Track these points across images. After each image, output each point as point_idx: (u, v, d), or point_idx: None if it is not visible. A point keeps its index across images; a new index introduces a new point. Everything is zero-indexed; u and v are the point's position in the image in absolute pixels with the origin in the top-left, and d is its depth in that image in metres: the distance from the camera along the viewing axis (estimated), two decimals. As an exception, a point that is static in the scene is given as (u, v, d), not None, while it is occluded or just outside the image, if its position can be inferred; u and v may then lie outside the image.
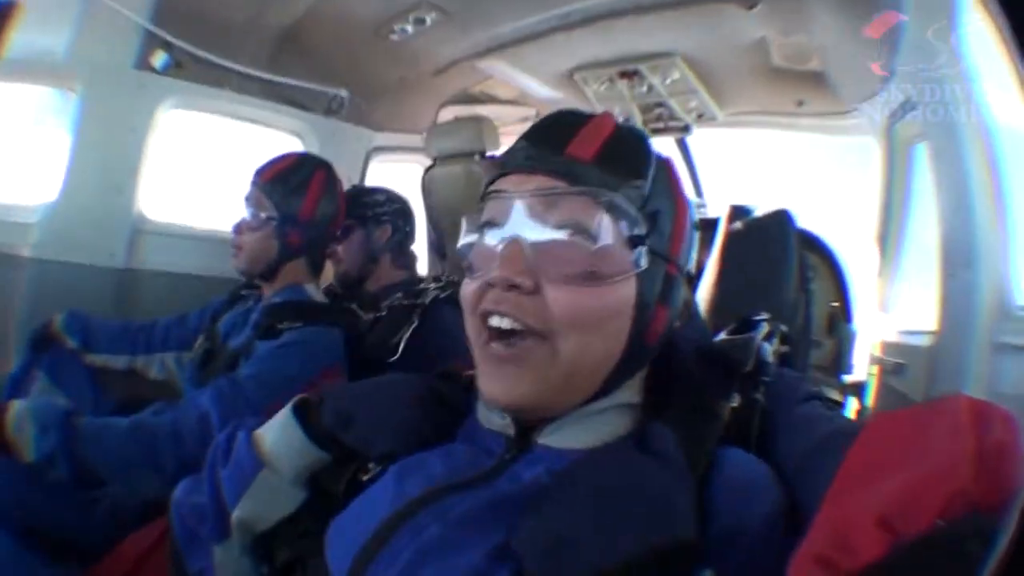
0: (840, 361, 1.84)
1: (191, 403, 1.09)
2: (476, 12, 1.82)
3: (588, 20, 1.80)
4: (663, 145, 2.38)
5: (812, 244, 1.92)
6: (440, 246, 2.06)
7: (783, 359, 0.64)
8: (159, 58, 1.70)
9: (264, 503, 0.62)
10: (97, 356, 1.39)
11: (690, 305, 0.63)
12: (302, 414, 0.65)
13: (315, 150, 1.91)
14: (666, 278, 0.55)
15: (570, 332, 0.51)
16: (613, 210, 0.52)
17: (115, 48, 1.63)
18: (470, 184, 1.85)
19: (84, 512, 1.07)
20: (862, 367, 1.79)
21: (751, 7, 1.64)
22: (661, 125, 2.23)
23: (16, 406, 0.96)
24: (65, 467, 0.95)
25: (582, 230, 0.52)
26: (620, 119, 0.59)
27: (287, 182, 1.29)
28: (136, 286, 1.66)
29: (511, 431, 0.56)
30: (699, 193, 2.48)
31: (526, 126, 0.62)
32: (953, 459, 0.36)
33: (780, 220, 1.73)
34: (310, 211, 1.30)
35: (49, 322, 1.37)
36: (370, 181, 2.09)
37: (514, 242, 0.52)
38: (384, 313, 1.39)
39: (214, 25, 1.77)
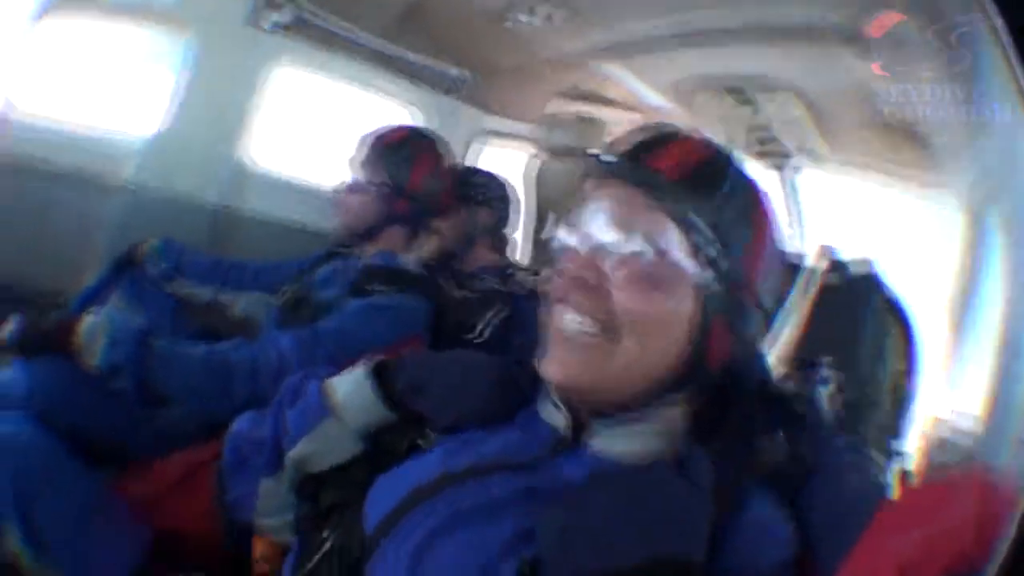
0: (894, 426, 1.79)
1: (271, 342, 1.10)
2: (597, 11, 1.81)
3: (708, 35, 1.78)
4: (769, 178, 2.32)
5: (892, 305, 1.88)
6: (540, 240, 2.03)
7: (834, 406, 0.64)
8: (274, 16, 1.73)
9: (323, 447, 0.67)
10: (183, 285, 1.42)
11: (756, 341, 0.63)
12: (377, 373, 0.70)
13: (427, 125, 1.90)
14: (733, 301, 0.56)
15: (631, 332, 0.54)
16: (684, 225, 0.54)
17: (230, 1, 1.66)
18: (574, 181, 1.81)
19: (135, 425, 1.07)
20: (913, 437, 1.73)
21: (862, 53, 1.61)
22: (767, 156, 2.17)
23: (92, 315, 0.97)
24: (131, 381, 0.96)
25: (652, 239, 0.54)
26: (716, 140, 0.60)
27: (398, 151, 1.30)
28: (232, 228, 1.69)
29: (564, 425, 0.59)
30: (800, 236, 2.42)
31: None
32: (961, 526, 0.41)
33: (869, 277, 1.69)
34: (416, 183, 1.31)
35: (137, 245, 1.41)
36: (476, 163, 2.06)
37: (587, 242, 0.56)
38: (473, 294, 1.36)
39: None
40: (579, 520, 0.49)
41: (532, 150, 2.02)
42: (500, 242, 1.60)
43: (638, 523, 0.48)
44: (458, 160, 1.88)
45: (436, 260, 1.54)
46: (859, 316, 1.65)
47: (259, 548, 0.74)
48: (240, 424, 0.76)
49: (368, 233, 1.31)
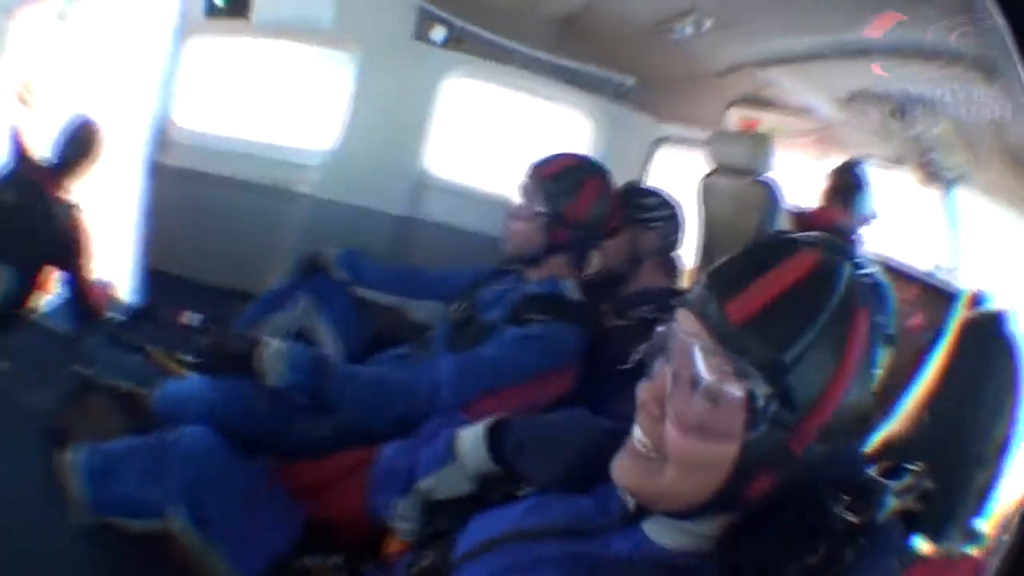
0: (982, 498, 1.58)
1: (430, 369, 1.21)
2: (750, 26, 1.76)
3: (862, 52, 1.71)
4: (929, 197, 2.16)
5: (1010, 354, 1.66)
6: (708, 255, 1.96)
7: (908, 518, 0.62)
8: (437, 32, 1.79)
9: (444, 484, 0.86)
10: (366, 290, 1.56)
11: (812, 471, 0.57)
12: (494, 431, 0.86)
13: (601, 132, 1.91)
14: (782, 448, 0.54)
15: (674, 463, 0.56)
16: (744, 376, 0.53)
17: (392, 19, 1.74)
18: (739, 202, 1.77)
19: (300, 433, 1.22)
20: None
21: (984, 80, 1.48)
22: (924, 174, 2.02)
23: (273, 344, 1.13)
24: (307, 398, 1.13)
25: (712, 382, 0.54)
26: (824, 254, 0.56)
27: (561, 182, 1.31)
28: (414, 235, 1.79)
29: (631, 504, 0.64)
30: (954, 257, 2.22)
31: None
32: None
33: (1000, 321, 1.50)
34: (579, 214, 1.31)
35: (320, 252, 1.55)
36: (650, 169, 2.06)
37: (660, 374, 0.58)
38: (630, 322, 1.38)
39: (490, 5, 1.84)
40: None
41: (703, 161, 1.95)
42: (669, 264, 1.57)
43: None
44: (631, 170, 1.86)
45: (600, 280, 1.54)
46: (990, 355, 1.51)
47: (391, 544, 0.92)
48: (388, 450, 0.97)
49: (531, 259, 1.34)
